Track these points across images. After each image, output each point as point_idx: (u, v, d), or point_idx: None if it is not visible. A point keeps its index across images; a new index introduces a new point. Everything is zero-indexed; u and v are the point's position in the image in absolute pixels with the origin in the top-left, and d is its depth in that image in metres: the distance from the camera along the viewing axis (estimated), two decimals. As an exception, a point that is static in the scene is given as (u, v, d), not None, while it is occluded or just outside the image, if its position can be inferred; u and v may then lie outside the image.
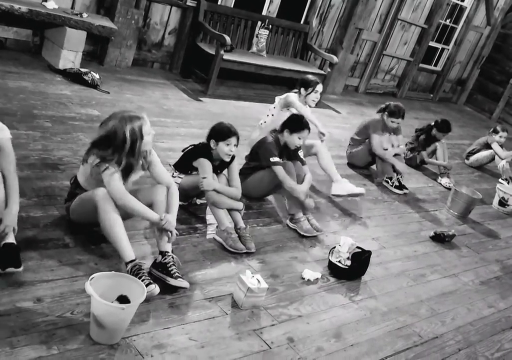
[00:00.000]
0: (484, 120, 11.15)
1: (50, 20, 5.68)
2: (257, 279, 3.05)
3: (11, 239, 2.72)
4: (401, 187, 5.58)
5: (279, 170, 4.09)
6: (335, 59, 8.03)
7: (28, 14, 5.53)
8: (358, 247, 3.76)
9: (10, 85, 5.01)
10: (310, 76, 5.15)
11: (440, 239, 4.67)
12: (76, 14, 5.93)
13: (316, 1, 8.24)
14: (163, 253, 3.02)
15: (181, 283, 2.95)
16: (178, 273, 2.97)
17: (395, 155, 5.71)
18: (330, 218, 4.49)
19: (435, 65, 11.25)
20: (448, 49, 11.13)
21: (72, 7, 6.24)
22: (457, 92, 11.99)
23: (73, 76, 5.70)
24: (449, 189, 5.93)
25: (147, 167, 3.19)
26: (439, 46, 11.00)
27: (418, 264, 4.19)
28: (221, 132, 3.69)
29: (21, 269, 2.68)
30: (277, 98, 5.10)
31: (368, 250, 3.78)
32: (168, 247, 3.04)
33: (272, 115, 5.01)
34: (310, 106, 5.11)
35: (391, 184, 5.59)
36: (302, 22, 8.38)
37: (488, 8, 10.89)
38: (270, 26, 7.77)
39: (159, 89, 6.41)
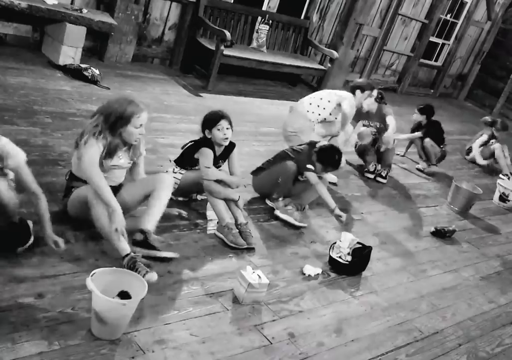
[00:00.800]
0: (484, 115, 11.12)
1: (50, 16, 5.67)
2: (258, 274, 3.05)
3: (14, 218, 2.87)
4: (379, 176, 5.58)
5: (312, 176, 4.12)
6: (335, 54, 8.01)
7: (28, 10, 5.52)
8: (358, 243, 3.77)
9: (10, 81, 5.01)
10: (364, 80, 5.23)
11: (440, 234, 4.67)
12: (76, 10, 5.91)
13: (316, -4, 8.22)
14: (142, 231, 3.08)
15: (169, 253, 3.07)
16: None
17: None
18: (330, 213, 4.49)
19: (436, 60, 11.24)
20: (449, 44, 11.11)
21: (72, 3, 6.23)
22: (457, 88, 11.98)
23: (73, 72, 5.69)
24: (422, 171, 6.25)
25: (134, 159, 3.28)
26: (440, 41, 10.98)
27: (418, 259, 4.20)
28: (210, 119, 3.72)
29: (29, 242, 2.85)
30: (333, 94, 5.06)
31: (369, 246, 3.79)
32: (148, 225, 3.10)
33: (324, 108, 5.00)
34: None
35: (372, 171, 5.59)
36: (302, 17, 8.35)
37: (489, 3, 10.87)
38: (270, 21, 7.74)
39: (159, 85, 6.40)
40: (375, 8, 9.03)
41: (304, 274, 3.49)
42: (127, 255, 2.89)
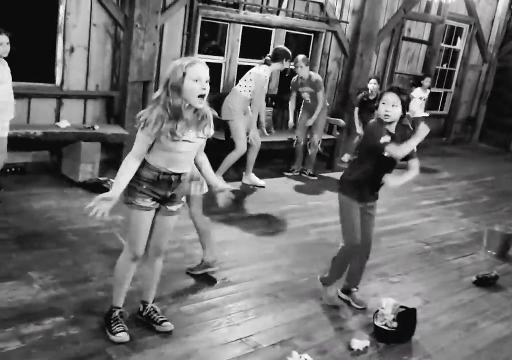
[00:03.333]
0: (500, 154, 11.07)
1: (65, 138, 5.96)
2: (305, 358, 2.99)
3: None
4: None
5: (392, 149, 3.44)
6: (341, 122, 8.16)
7: (44, 137, 5.80)
8: (401, 306, 3.69)
9: (34, 206, 5.16)
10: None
11: (483, 282, 4.56)
12: (88, 128, 6.21)
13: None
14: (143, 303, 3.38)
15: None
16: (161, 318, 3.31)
17: None
18: (367, 280, 4.42)
19: (441, 109, 11.37)
20: (451, 92, 11.28)
21: (84, 122, 6.54)
22: (468, 131, 11.99)
23: (93, 187, 5.85)
24: None
25: (204, 130, 2.92)
26: (441, 90, 11.17)
27: (466, 313, 4.08)
28: None
29: None
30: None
31: (413, 308, 3.71)
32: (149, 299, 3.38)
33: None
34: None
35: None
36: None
37: (481, 47, 11.12)
38: (274, 103, 8.01)
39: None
40: (372, 71, 9.25)
41: (353, 349, 3.40)
42: (118, 307, 3.22)
